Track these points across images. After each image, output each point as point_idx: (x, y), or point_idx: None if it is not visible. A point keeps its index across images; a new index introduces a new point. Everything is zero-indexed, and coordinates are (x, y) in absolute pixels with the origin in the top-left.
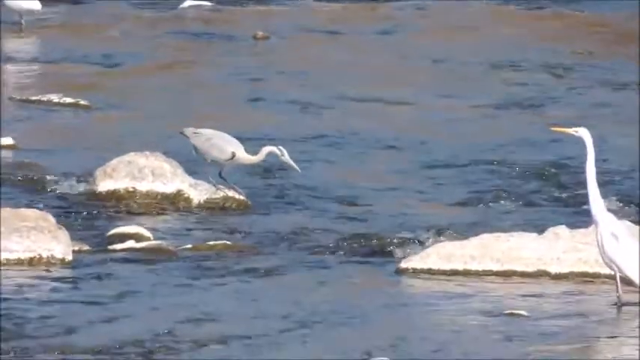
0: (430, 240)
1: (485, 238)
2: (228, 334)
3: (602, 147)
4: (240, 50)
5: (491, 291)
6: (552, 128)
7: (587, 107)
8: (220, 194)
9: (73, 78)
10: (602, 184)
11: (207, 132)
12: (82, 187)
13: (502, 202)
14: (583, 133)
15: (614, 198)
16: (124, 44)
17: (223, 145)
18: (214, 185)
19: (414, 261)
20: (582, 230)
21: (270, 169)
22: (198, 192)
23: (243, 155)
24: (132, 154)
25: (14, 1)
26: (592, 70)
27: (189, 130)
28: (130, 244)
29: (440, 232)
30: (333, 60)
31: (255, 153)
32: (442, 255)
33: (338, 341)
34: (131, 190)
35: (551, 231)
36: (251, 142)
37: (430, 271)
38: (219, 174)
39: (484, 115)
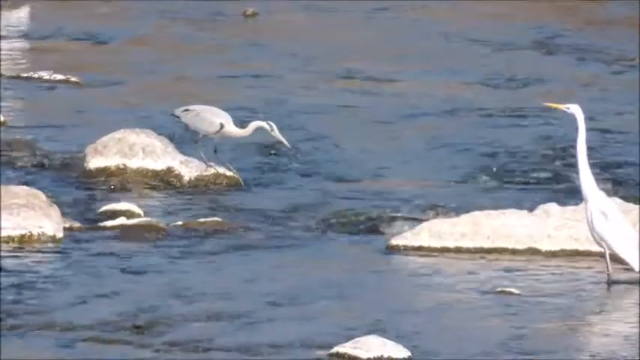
0: (421, 217)
1: (476, 215)
2: (218, 311)
3: (594, 124)
4: (229, 27)
5: (482, 269)
6: (545, 104)
7: (578, 83)
8: (211, 171)
9: (64, 54)
10: (593, 162)
11: (195, 107)
12: (72, 164)
13: (493, 179)
14: (575, 109)
15: (606, 175)
16: (113, 20)
17: (211, 117)
18: (205, 162)
19: (405, 238)
20: (572, 207)
21: (261, 145)
22: (189, 169)
23: (231, 128)
24: (122, 131)
25: None
26: (582, 45)
27: (178, 110)
28: (121, 220)
29: (431, 210)
30: (323, 37)
31: (244, 127)
32: (433, 232)
33: (328, 318)
34: (122, 167)
35: (541, 208)
36: (241, 119)
37: (421, 249)
38: (214, 151)
39: (474, 92)
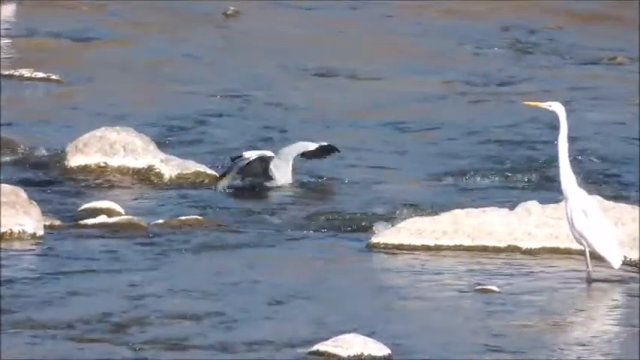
0: (401, 215)
1: (457, 213)
2: (198, 309)
3: (576, 122)
4: (210, 26)
5: (463, 266)
6: (525, 102)
7: (558, 82)
8: (192, 169)
9: (44, 52)
10: (575, 160)
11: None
12: (53, 162)
13: (473, 177)
14: (557, 107)
15: (586, 172)
16: (94, 18)
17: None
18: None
19: (386, 236)
20: (553, 205)
21: (245, 143)
22: (170, 167)
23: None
24: (103, 129)
25: None
26: (562, 45)
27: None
28: (102, 219)
29: (411, 208)
30: (303, 35)
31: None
32: (413, 230)
33: (309, 317)
34: (103, 165)
35: (522, 206)
36: (220, 118)
37: (401, 247)
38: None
39: (455, 91)
